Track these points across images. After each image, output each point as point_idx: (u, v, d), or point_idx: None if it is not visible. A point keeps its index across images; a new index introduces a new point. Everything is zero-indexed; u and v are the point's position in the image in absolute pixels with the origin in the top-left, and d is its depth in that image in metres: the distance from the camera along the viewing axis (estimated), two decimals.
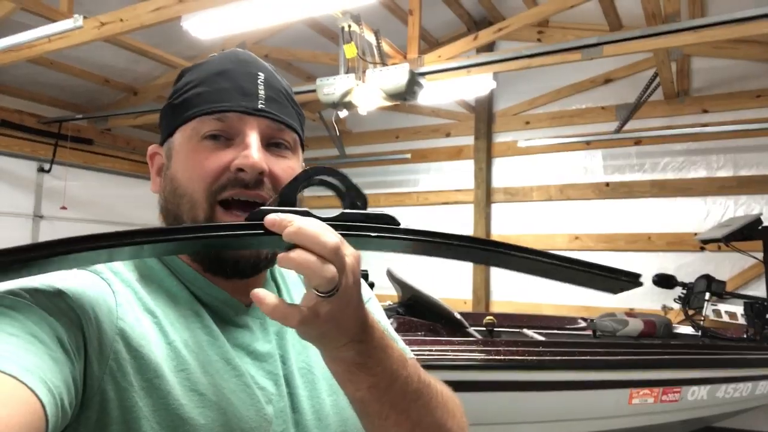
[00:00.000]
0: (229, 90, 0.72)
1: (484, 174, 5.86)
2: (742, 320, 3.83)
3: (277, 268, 0.85)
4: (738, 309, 3.90)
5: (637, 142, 5.16)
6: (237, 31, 3.58)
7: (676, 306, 3.99)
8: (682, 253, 4.94)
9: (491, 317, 3.41)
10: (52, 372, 0.52)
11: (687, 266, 4.81)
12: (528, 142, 5.43)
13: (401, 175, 6.28)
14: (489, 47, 5.49)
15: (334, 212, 0.60)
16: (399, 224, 0.60)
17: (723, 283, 3.77)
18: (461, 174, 6.02)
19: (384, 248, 0.61)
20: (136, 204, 6.07)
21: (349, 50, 3.55)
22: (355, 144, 6.51)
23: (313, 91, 3.87)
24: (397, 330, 3.27)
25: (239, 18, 3.29)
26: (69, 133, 5.78)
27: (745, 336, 3.67)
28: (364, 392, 0.62)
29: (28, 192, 5.66)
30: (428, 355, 2.80)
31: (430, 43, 5.76)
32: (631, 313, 3.80)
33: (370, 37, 3.79)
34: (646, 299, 4.76)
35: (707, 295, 3.72)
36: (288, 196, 0.59)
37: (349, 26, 3.53)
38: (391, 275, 3.45)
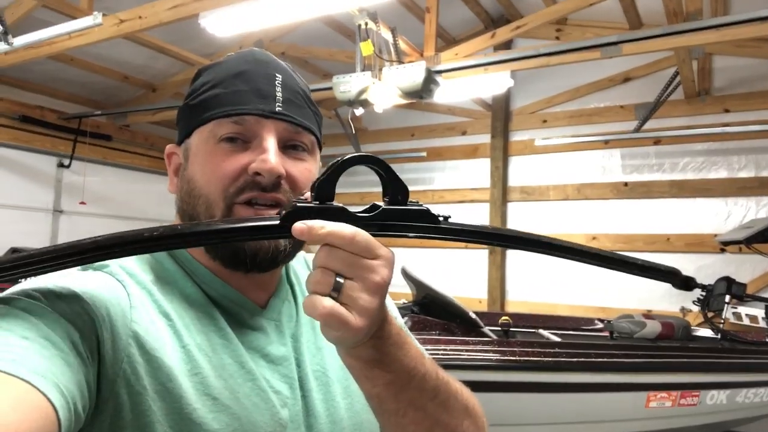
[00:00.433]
0: (246, 92, 0.71)
1: (500, 173, 5.82)
2: (763, 323, 3.77)
3: (291, 264, 0.84)
4: (759, 312, 3.83)
5: (657, 141, 5.09)
6: (254, 29, 3.60)
7: (695, 308, 3.93)
8: (701, 254, 4.87)
9: (507, 317, 3.39)
10: (65, 376, 0.52)
11: (707, 268, 4.74)
12: (545, 141, 5.38)
13: (417, 173, 6.26)
14: (507, 45, 5.45)
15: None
16: (439, 222, 0.59)
17: (744, 285, 3.71)
18: (477, 172, 5.99)
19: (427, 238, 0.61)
20: (153, 200, 6.14)
21: (366, 48, 3.54)
22: (370, 142, 6.50)
23: (330, 88, 3.87)
24: (412, 329, 3.26)
25: (256, 15, 3.30)
26: (88, 129, 5.85)
27: (766, 339, 3.61)
28: (380, 389, 0.61)
29: (48, 187, 5.74)
30: (443, 354, 2.79)
31: (447, 41, 5.73)
32: (648, 315, 3.75)
33: (387, 34, 3.77)
34: (665, 301, 4.70)
35: (727, 298, 3.66)
36: (324, 190, 0.57)
37: (366, 24, 3.52)
38: (405, 274, 3.44)
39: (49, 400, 0.48)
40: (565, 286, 5.29)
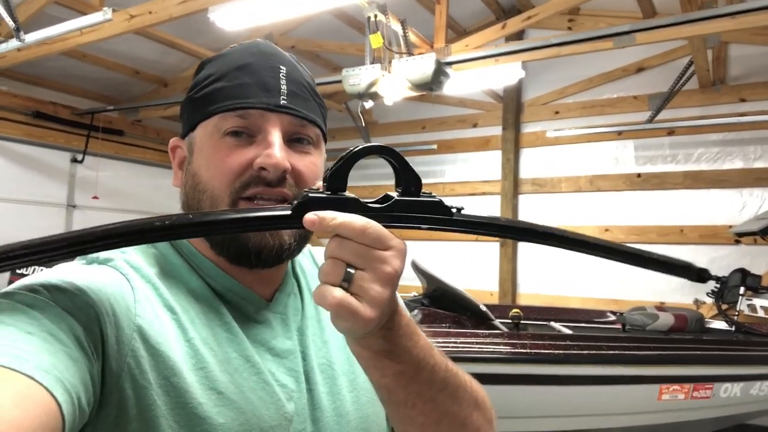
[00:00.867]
0: (250, 85, 0.71)
1: (511, 165, 5.79)
2: None
3: (297, 258, 0.84)
4: None
5: (671, 132, 5.03)
6: (263, 22, 3.59)
7: (710, 300, 3.89)
8: (716, 246, 4.81)
9: (517, 310, 3.38)
10: (69, 371, 0.51)
11: (720, 260, 4.69)
12: (557, 133, 5.33)
13: (427, 166, 6.24)
14: (518, 36, 5.40)
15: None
16: (451, 214, 0.59)
17: (759, 277, 3.66)
18: (488, 165, 5.95)
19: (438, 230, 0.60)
20: (165, 194, 6.18)
21: (375, 40, 3.53)
22: (381, 135, 6.49)
23: (340, 81, 3.86)
24: (422, 322, 3.26)
25: (266, 9, 3.29)
26: (101, 124, 5.89)
27: None
28: (389, 379, 0.61)
29: (61, 182, 5.80)
30: (453, 347, 2.78)
31: (458, 32, 5.69)
32: (661, 307, 3.72)
33: (397, 26, 3.75)
34: (678, 293, 4.66)
35: (742, 290, 3.61)
36: (336, 180, 0.57)
37: (375, 16, 3.50)
38: (415, 266, 3.44)
39: (52, 395, 0.48)
40: (577, 279, 5.26)
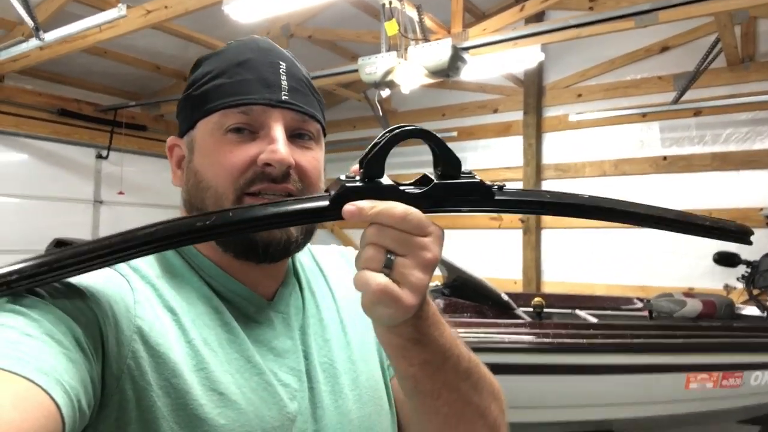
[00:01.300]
0: (252, 81, 0.70)
1: (533, 150, 5.70)
2: None
3: (297, 257, 0.84)
4: None
5: (697, 112, 4.89)
6: (278, 13, 3.58)
7: (740, 285, 3.79)
8: None
9: (540, 299, 3.33)
10: (68, 373, 0.51)
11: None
12: (580, 116, 5.23)
13: None
14: (538, 18, 5.28)
15: None
16: (493, 194, 0.57)
17: None
18: (510, 151, 5.87)
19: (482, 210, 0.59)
20: None
21: (390, 27, 3.49)
22: (401, 122, 6.45)
23: (356, 71, 3.83)
24: (443, 312, 3.23)
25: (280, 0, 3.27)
26: (124, 120, 5.97)
27: None
28: (416, 369, 0.60)
29: (87, 178, 5.90)
30: (474, 337, 2.76)
31: (476, 15, 5.60)
32: (690, 293, 3.63)
33: (413, 12, 3.70)
34: (707, 278, 4.55)
35: None
36: (373, 167, 0.55)
37: (390, 2, 3.46)
38: None
39: (51, 398, 0.48)
40: (602, 265, 5.17)
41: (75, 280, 0.61)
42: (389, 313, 0.54)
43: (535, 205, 0.61)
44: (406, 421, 0.82)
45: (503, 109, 5.99)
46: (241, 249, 0.70)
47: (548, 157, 5.71)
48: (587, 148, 5.48)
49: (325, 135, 0.79)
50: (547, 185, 5.68)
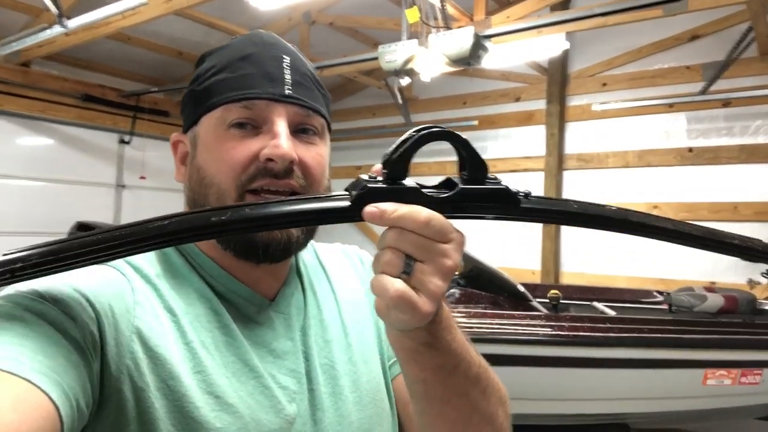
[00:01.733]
0: (254, 75, 0.70)
1: (556, 140, 5.62)
2: None
3: (300, 255, 0.83)
4: None
5: (726, 103, 4.76)
6: (300, 0, 3.57)
7: (765, 281, 3.71)
8: None
9: (556, 291, 3.30)
10: (67, 373, 0.52)
11: None
12: (604, 106, 5.14)
13: None
14: (564, 5, 5.18)
15: None
16: (519, 202, 0.56)
17: None
18: (531, 140, 5.80)
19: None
20: None
21: (411, 15, 3.45)
22: (421, 111, 6.41)
23: (376, 58, 3.81)
24: (458, 302, 3.24)
25: None
26: (146, 105, 6.04)
27: None
28: (428, 373, 0.60)
29: (110, 163, 6.00)
30: (489, 328, 2.75)
31: (500, 2, 5.51)
32: (711, 288, 3.57)
33: None
34: (730, 273, 4.45)
35: None
36: (396, 168, 0.54)
37: None
38: None
39: (50, 398, 0.48)
40: (623, 257, 5.10)
41: (76, 279, 0.61)
42: (405, 319, 0.53)
43: (562, 216, 0.59)
44: (408, 423, 0.81)
45: (526, 97, 5.91)
46: (241, 249, 0.69)
47: (571, 146, 5.63)
48: (611, 138, 5.38)
49: (330, 130, 0.78)
50: (569, 175, 5.61)
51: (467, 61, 3.50)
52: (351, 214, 0.54)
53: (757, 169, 4.68)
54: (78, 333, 0.56)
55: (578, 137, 5.59)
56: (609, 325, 2.75)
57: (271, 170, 0.67)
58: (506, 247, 5.62)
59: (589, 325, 2.76)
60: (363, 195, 0.53)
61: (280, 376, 0.71)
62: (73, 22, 3.40)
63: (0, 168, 5.16)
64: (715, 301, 3.23)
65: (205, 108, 0.71)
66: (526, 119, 5.89)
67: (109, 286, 0.63)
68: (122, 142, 6.04)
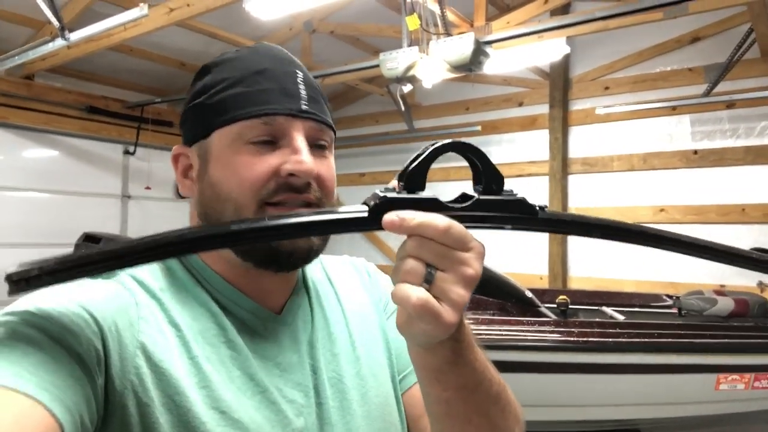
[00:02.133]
0: (273, 91, 0.69)
1: (559, 144, 5.60)
2: None
3: (307, 268, 0.83)
4: None
5: (730, 105, 4.74)
6: (300, 9, 3.57)
7: None
8: None
9: (564, 297, 3.27)
10: (71, 389, 0.52)
11: None
12: (608, 109, 5.12)
13: None
14: (563, 9, 5.18)
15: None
16: (536, 213, 0.56)
17: None
18: (535, 145, 5.78)
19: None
20: None
21: (412, 22, 3.45)
22: (424, 117, 6.41)
23: (378, 66, 3.81)
24: (466, 309, 3.20)
25: None
26: (150, 116, 6.06)
27: None
28: (451, 393, 0.60)
29: (115, 174, 6.01)
30: (497, 335, 2.73)
31: (500, 8, 5.51)
32: (721, 291, 3.54)
33: (434, 6, 3.66)
34: (740, 275, 4.41)
35: None
36: (415, 179, 0.54)
37: None
38: None
39: (53, 414, 0.48)
40: (631, 261, 5.06)
41: (79, 294, 0.61)
42: (428, 330, 0.52)
43: (579, 227, 0.59)
44: None
45: (528, 102, 5.90)
46: (264, 257, 0.69)
47: (575, 151, 5.61)
48: (615, 141, 5.37)
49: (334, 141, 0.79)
50: (574, 180, 5.59)
51: (468, 67, 3.49)
52: (369, 224, 0.54)
53: (764, 171, 4.65)
54: (82, 348, 0.56)
55: (582, 141, 5.57)
56: (618, 331, 2.73)
57: (292, 185, 0.68)
58: (513, 252, 5.59)
59: (598, 330, 2.73)
60: (381, 205, 0.53)
61: (287, 389, 0.70)
62: (75, 35, 3.41)
63: (6, 180, 5.17)
64: (725, 304, 3.20)
65: (219, 122, 0.70)
66: (529, 124, 5.88)
67: (113, 301, 0.62)
68: (127, 152, 6.06)
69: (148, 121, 6.04)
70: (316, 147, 0.72)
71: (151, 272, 0.69)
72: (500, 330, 2.76)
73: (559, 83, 5.64)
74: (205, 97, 0.72)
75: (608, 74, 5.44)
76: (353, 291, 0.86)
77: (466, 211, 0.54)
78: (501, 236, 5.52)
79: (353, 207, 0.55)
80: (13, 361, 0.50)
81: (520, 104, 5.96)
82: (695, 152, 4.95)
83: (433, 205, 0.54)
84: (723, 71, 4.33)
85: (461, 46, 3.37)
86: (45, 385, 0.49)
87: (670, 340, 2.73)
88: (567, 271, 5.56)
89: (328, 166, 0.73)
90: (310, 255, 0.70)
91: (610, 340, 2.69)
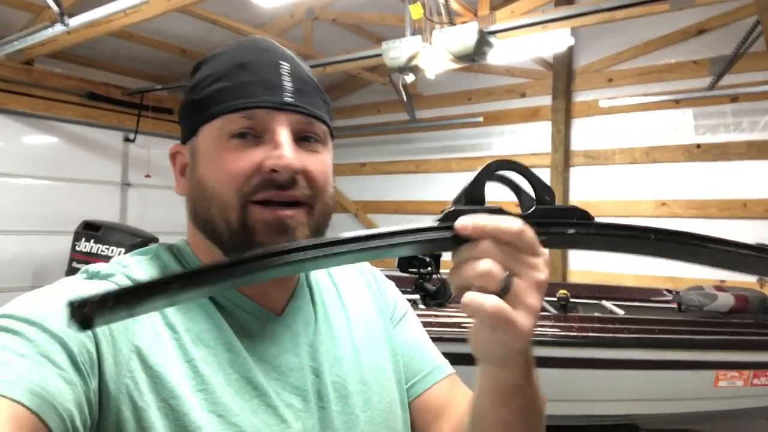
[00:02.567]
0: (252, 84, 0.68)
1: (562, 136, 5.57)
2: None
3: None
4: None
5: (734, 99, 4.70)
6: None
7: None
8: None
9: (565, 291, 3.26)
10: (62, 394, 0.51)
11: None
12: (611, 102, 5.08)
13: (473, 139, 6.09)
14: (568, 0, 5.13)
15: None
16: (592, 218, 0.55)
17: None
18: (537, 137, 5.75)
19: (578, 246, 0.56)
20: None
21: (415, 11, 3.41)
22: (426, 107, 6.36)
23: (380, 55, 3.77)
24: None
25: None
26: (150, 103, 6.01)
27: None
28: (515, 415, 0.60)
29: (115, 161, 5.98)
30: None
31: None
32: (721, 286, 3.52)
33: None
34: None
35: None
36: (474, 195, 0.55)
37: None
38: None
39: (43, 421, 0.48)
40: (631, 255, 5.04)
41: (72, 298, 0.59)
42: (504, 340, 0.51)
43: (638, 240, 0.56)
44: None
45: (531, 93, 5.86)
46: None
47: (577, 143, 5.58)
48: (618, 134, 5.33)
49: (333, 137, 0.76)
50: (576, 172, 5.56)
51: (472, 58, 3.46)
52: (439, 233, 0.52)
53: (766, 166, 4.62)
54: (74, 352, 0.55)
55: (585, 133, 5.54)
56: (618, 326, 2.72)
57: (275, 181, 0.66)
58: None
59: (598, 325, 2.73)
60: (451, 214, 0.53)
61: (285, 393, 0.69)
62: (75, 20, 3.38)
63: (5, 167, 5.14)
64: (725, 300, 3.19)
65: (204, 118, 0.69)
66: (531, 115, 5.84)
67: None
68: (127, 140, 6.02)
69: (149, 108, 6.00)
70: (304, 140, 0.69)
71: (149, 272, 0.69)
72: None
73: (562, 74, 5.59)
74: (193, 94, 0.71)
75: (612, 66, 5.40)
76: (358, 295, 0.85)
77: (530, 218, 0.54)
78: None
79: (419, 223, 0.54)
80: (3, 365, 0.50)
81: (523, 95, 5.92)
82: (698, 146, 4.92)
83: (498, 213, 0.54)
84: (728, 64, 4.29)
85: (465, 36, 3.34)
86: (36, 390, 0.49)
87: (669, 336, 2.72)
88: (567, 264, 5.55)
89: (318, 161, 0.70)
90: None
91: (610, 335, 2.69)
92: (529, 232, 0.51)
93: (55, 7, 3.20)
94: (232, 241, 0.67)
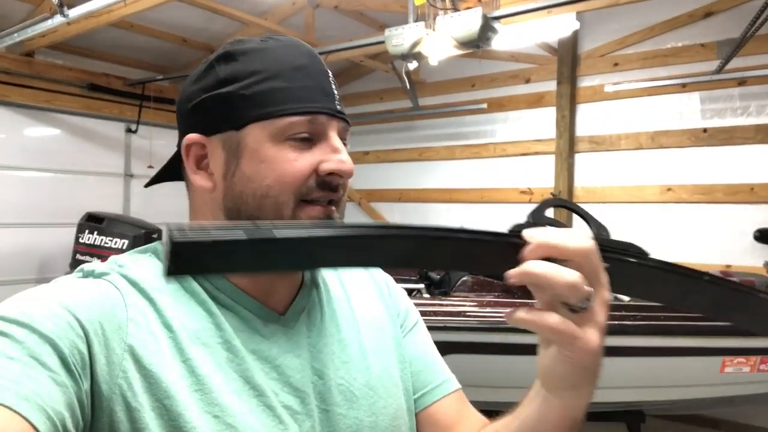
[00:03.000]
0: (314, 89, 0.70)
1: (566, 122, 5.52)
2: None
3: (320, 272, 0.82)
4: None
5: (742, 82, 4.64)
6: None
7: None
8: None
9: None
10: (52, 397, 0.51)
11: None
12: (616, 86, 5.03)
13: (477, 125, 6.04)
14: None
15: None
16: (647, 253, 0.59)
17: None
18: (542, 123, 5.70)
19: (623, 286, 0.58)
20: None
21: None
22: (429, 94, 6.32)
23: (383, 42, 3.74)
24: (471, 290, 3.20)
25: None
26: (152, 93, 5.99)
27: None
28: None
29: (118, 152, 5.98)
30: (502, 317, 2.71)
31: None
32: (727, 272, 3.50)
33: None
34: (747, 256, 4.38)
35: None
36: (541, 218, 0.61)
37: None
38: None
39: (32, 424, 0.48)
40: (636, 240, 5.00)
41: (65, 295, 0.59)
42: (573, 356, 0.53)
43: (693, 279, 0.59)
44: None
45: (536, 78, 5.80)
46: None
47: (582, 129, 5.53)
48: (623, 119, 5.28)
49: None
50: (581, 158, 5.52)
51: (476, 44, 3.42)
52: (512, 240, 0.54)
53: None
54: (65, 353, 0.54)
55: (590, 119, 5.49)
56: (624, 313, 2.70)
57: (330, 183, 0.69)
58: None
59: None
60: (520, 226, 0.55)
61: (284, 395, 0.68)
62: (74, 11, 3.36)
63: (7, 159, 5.14)
64: None
65: (258, 115, 0.68)
66: (536, 101, 5.80)
67: (100, 303, 0.61)
68: (129, 131, 6.01)
69: (150, 99, 5.98)
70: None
71: (147, 270, 0.67)
72: (505, 312, 2.75)
73: (567, 59, 5.53)
74: (236, 87, 0.69)
75: (618, 50, 5.33)
76: (368, 300, 0.84)
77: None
78: (506, 216, 5.48)
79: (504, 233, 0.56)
80: None
81: (527, 81, 5.87)
82: (705, 130, 4.87)
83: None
84: (736, 47, 4.22)
85: (469, 22, 3.30)
86: (25, 393, 0.49)
87: (675, 322, 2.71)
88: None
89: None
90: None
91: (616, 322, 2.67)
92: (596, 253, 0.53)
93: None
94: None
